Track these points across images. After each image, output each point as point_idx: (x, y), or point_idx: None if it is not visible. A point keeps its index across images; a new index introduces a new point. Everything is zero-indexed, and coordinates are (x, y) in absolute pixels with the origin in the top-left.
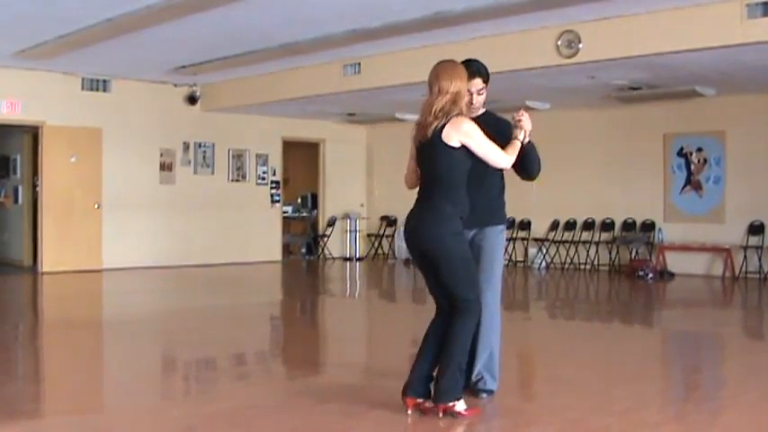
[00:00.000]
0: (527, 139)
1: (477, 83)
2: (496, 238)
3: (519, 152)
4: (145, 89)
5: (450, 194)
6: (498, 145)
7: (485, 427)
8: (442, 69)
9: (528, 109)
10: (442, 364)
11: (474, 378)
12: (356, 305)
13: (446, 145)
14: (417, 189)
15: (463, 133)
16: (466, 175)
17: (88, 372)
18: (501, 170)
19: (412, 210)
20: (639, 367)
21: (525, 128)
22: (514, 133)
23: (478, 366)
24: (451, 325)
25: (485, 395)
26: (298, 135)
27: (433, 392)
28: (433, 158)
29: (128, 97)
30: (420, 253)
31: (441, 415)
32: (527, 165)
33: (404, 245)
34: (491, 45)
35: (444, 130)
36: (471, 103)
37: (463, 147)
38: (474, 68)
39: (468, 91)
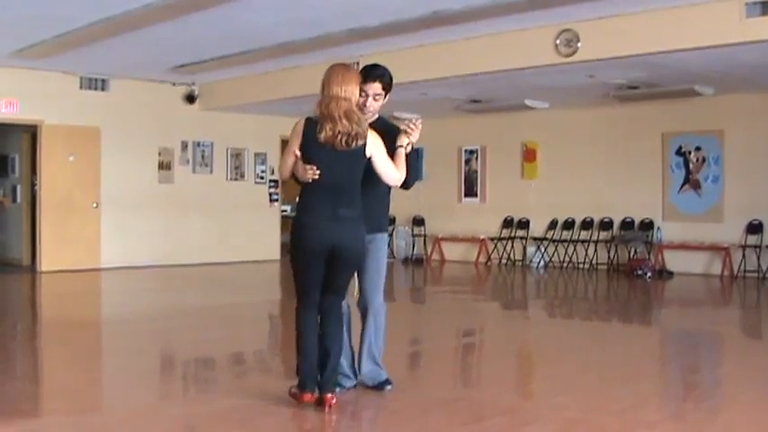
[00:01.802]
0: (410, 149)
1: (376, 87)
2: (383, 243)
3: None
4: (143, 88)
5: (354, 200)
6: (389, 151)
7: (483, 426)
8: (333, 74)
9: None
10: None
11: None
12: (353, 304)
13: (364, 156)
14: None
15: (376, 146)
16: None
17: (87, 371)
18: None
19: (318, 211)
20: (638, 366)
21: (412, 139)
22: (399, 140)
23: (377, 365)
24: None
25: (389, 387)
26: None
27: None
28: (348, 167)
29: (126, 96)
30: (328, 251)
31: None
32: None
33: (402, 243)
34: (489, 44)
35: (368, 143)
36: (365, 105)
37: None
38: (377, 73)
39: (365, 92)
